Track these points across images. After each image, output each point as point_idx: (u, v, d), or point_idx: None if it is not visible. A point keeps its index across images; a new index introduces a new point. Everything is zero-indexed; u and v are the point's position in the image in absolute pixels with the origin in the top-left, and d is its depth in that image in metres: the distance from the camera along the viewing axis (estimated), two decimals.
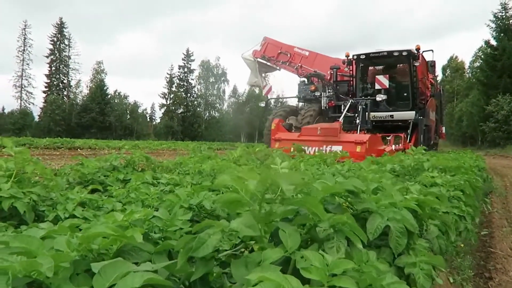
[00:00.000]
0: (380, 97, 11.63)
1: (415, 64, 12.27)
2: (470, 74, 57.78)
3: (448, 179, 3.24)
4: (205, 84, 75.82)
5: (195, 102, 74.41)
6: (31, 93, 64.68)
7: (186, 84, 73.20)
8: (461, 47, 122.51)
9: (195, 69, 74.51)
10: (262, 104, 15.92)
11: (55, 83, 65.96)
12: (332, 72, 14.12)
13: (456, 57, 65.46)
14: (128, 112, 69.73)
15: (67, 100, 65.48)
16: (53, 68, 65.57)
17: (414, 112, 12.12)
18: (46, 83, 65.00)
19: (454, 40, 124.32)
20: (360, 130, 10.89)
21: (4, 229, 1.78)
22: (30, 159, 2.32)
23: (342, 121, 10.85)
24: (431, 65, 13.23)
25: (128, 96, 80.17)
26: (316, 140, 8.83)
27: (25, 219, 2.00)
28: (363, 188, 1.43)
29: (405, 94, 12.84)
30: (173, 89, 72.53)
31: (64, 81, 67.15)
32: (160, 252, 1.25)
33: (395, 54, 12.25)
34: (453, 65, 63.88)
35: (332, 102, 13.16)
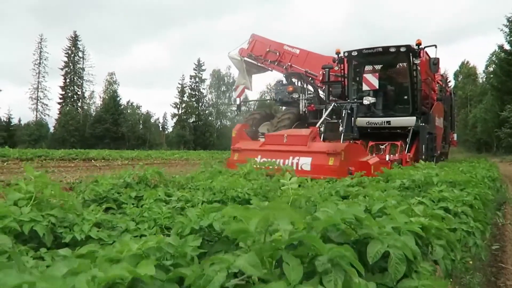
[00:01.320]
0: (367, 100, 9.78)
1: (416, 62, 10.60)
2: (483, 80, 57.10)
3: (456, 194, 3.26)
4: (216, 93, 76.37)
5: (207, 111, 74.99)
6: (47, 104, 66.00)
7: (197, 93, 73.89)
8: (473, 52, 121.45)
9: (206, 79, 75.26)
10: (234, 108, 15.07)
11: (69, 94, 67.22)
12: (324, 72, 12.39)
13: (468, 62, 64.87)
14: (140, 122, 70.62)
15: (81, 111, 66.64)
16: (68, 80, 66.88)
17: (414, 118, 10.58)
18: (61, 94, 66.28)
19: (467, 45, 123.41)
20: (344, 140, 9.27)
21: (25, 252, 1.87)
22: (48, 183, 2.42)
23: (320, 127, 9.54)
24: (434, 63, 11.12)
25: (141, 106, 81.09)
26: (282, 151, 6.97)
27: (44, 241, 2.10)
28: (363, 216, 1.49)
29: (405, 97, 11.21)
30: (185, 98, 73.25)
31: (78, 93, 68.43)
32: (172, 279, 1.33)
33: (392, 50, 10.42)
34: (465, 71, 63.24)
35: (313, 105, 11.46)
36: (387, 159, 8.85)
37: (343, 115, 9.57)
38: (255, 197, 3.55)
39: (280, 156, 6.81)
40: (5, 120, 60.32)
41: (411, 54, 10.55)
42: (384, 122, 10.78)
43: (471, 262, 3.05)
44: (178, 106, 73.03)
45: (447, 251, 2.19)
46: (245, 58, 15.15)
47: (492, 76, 46.35)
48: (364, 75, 10.51)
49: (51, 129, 63.58)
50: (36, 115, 65.15)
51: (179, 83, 73.63)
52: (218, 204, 3.50)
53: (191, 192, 3.80)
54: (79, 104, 68.27)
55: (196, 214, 2.31)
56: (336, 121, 9.93)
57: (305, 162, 6.45)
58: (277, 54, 14.65)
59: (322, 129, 9.59)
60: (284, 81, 13.26)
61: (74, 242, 2.22)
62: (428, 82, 11.90)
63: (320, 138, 9.25)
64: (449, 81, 64.15)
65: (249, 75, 15.43)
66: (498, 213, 5.97)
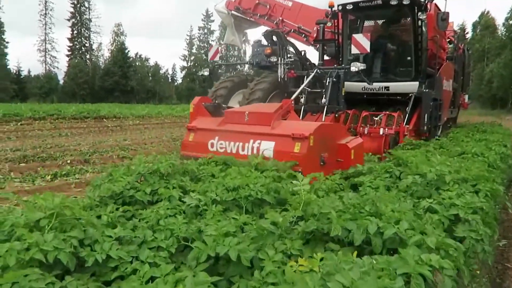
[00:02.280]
0: (355, 67, 7.95)
1: (421, 18, 9.04)
2: (503, 33, 54.68)
3: (467, 200, 3.28)
4: (225, 46, 74.76)
5: (216, 64, 73.79)
6: (55, 57, 65.59)
7: (206, 45, 72.39)
8: (495, 2, 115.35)
9: (215, 30, 73.33)
10: (206, 73, 11.24)
11: (77, 46, 66.47)
12: (318, 29, 10.59)
13: (488, 12, 61.66)
14: (149, 75, 70.07)
15: (89, 63, 66.10)
16: (75, 32, 65.82)
17: (417, 83, 9.20)
18: (69, 46, 65.56)
19: None
20: (327, 114, 7.79)
21: (51, 285, 1.98)
22: (67, 205, 2.49)
23: (301, 98, 8.20)
24: (442, 18, 9.44)
25: (149, 58, 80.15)
26: (242, 132, 5.55)
27: (68, 267, 2.20)
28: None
29: (408, 58, 9.63)
30: (194, 51, 71.97)
31: (86, 45, 67.54)
32: None
33: (393, 3, 8.92)
34: (483, 22, 60.33)
35: (293, 71, 9.54)
36: (381, 132, 7.73)
37: (327, 83, 7.89)
38: (268, 195, 3.60)
39: (240, 139, 5.43)
40: (15, 72, 60.32)
41: (416, 7, 8.96)
42: (382, 87, 9.39)
43: (478, 272, 3.13)
44: (186, 58, 71.96)
45: (456, 279, 2.25)
46: (233, 12, 13.22)
47: None
48: (354, 35, 8.70)
49: (61, 82, 63.58)
50: (45, 67, 64.99)
51: (187, 35, 72.15)
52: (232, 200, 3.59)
53: (204, 186, 3.87)
54: (88, 57, 67.62)
55: (212, 238, 2.38)
56: (319, 90, 8.31)
57: (267, 147, 5.10)
58: (267, 7, 12.58)
59: (302, 100, 8.16)
60: (264, 41, 10.73)
61: (96, 265, 2.33)
62: (436, 40, 10.29)
63: (301, 112, 8.10)
64: (467, 33, 61.62)
65: (239, 31, 13.65)
66: (508, 197, 5.95)
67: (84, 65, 62.64)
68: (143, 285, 1.99)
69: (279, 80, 9.49)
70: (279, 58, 9.54)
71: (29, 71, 64.94)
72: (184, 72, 72.41)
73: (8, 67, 58.21)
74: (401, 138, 7.88)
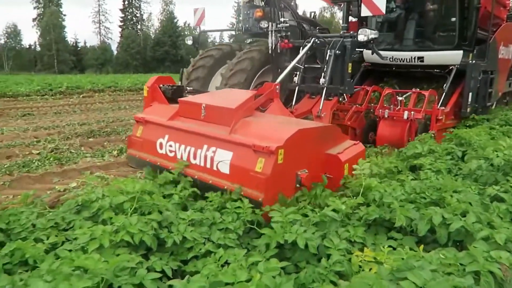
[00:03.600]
0: (364, 35, 5.81)
1: None
2: None
3: None
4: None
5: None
6: (109, 28, 68.00)
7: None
8: None
9: None
10: (189, 42, 8.99)
11: (129, 17, 68.10)
12: None
13: None
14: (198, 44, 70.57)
15: (141, 34, 67.73)
16: (126, 2, 67.31)
17: (461, 52, 7.06)
18: (121, 17, 67.36)
19: None
20: (326, 98, 5.72)
21: (140, 265, 2.21)
22: (146, 191, 2.73)
23: (294, 76, 6.32)
24: None
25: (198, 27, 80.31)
26: (195, 133, 4.00)
27: (151, 247, 2.44)
28: None
29: (451, 19, 7.42)
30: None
31: (137, 15, 69.02)
32: None
33: None
34: None
35: (286, 40, 7.16)
36: (405, 116, 5.93)
37: (326, 57, 5.77)
38: None
39: (192, 142, 3.93)
40: (72, 44, 63.33)
41: None
42: (415, 58, 7.36)
43: None
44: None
45: None
46: None
47: None
48: None
49: (115, 53, 65.95)
50: (100, 38, 67.47)
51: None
52: None
53: None
54: (139, 27, 69.21)
55: (280, 222, 2.52)
56: (319, 66, 6.12)
57: (223, 159, 3.61)
58: None
59: (296, 79, 6.17)
60: (257, 1, 8.41)
61: (175, 245, 2.56)
62: None
63: (295, 94, 6.12)
64: None
65: None
66: None
67: (135, 36, 64.35)
68: (219, 268, 2.18)
69: (270, 51, 7.14)
70: (270, 24, 7.24)
71: (85, 43, 68.08)
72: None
73: (66, 39, 61.17)
74: (433, 124, 6.20)
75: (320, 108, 5.52)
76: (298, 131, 3.39)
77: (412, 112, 5.98)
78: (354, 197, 3.10)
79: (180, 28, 66.95)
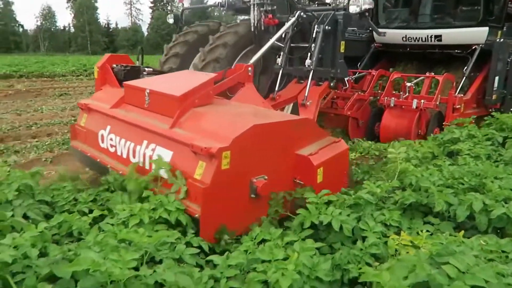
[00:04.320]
0: (356, 5, 4.96)
1: None
2: None
3: None
4: None
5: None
6: (139, 9, 68.66)
7: None
8: None
9: None
10: (170, 20, 8.03)
11: None
12: None
13: None
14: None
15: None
16: None
17: (486, 28, 5.96)
18: None
19: None
20: (319, 83, 4.93)
21: (179, 240, 2.28)
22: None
23: (278, 57, 5.30)
24: None
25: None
26: (135, 125, 3.28)
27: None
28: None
29: None
30: None
31: None
32: None
33: None
34: None
35: (272, 16, 6.14)
36: (414, 105, 5.12)
37: (313, 34, 4.84)
38: None
39: (132, 136, 3.27)
40: (105, 25, 64.48)
41: None
42: (432, 37, 6.32)
43: None
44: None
45: None
46: None
47: None
48: None
49: (145, 34, 66.73)
50: (131, 20, 68.31)
51: None
52: None
53: None
54: (169, 8, 69.52)
55: (314, 203, 2.53)
56: (306, 45, 4.96)
57: (165, 159, 2.89)
58: None
59: (280, 61, 5.24)
60: None
61: None
62: None
63: (278, 78, 5.13)
64: None
65: None
66: None
67: (166, 17, 64.80)
68: (256, 245, 2.22)
69: (252, 29, 6.06)
70: None
71: (116, 24, 69.25)
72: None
73: (98, 20, 62.34)
74: (449, 114, 5.32)
75: (306, 95, 4.58)
76: (253, 128, 2.60)
77: (422, 101, 5.10)
78: (390, 181, 3.07)
79: (209, 10, 66.76)
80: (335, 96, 5.95)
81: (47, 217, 2.65)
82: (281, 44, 5.20)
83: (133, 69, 4.30)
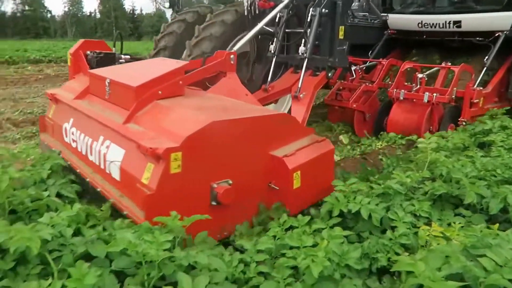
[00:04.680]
0: None
1: None
2: None
3: None
4: None
5: None
6: None
7: None
8: None
9: None
10: (166, 4, 7.46)
11: None
12: None
13: None
14: None
15: (195, 1, 68.09)
16: None
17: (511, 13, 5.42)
18: None
19: None
20: (315, 73, 4.62)
21: None
22: None
23: (270, 44, 4.86)
24: None
25: None
26: (93, 119, 2.95)
27: None
28: None
29: None
30: None
31: None
32: None
33: None
34: None
35: None
36: (425, 99, 4.65)
37: (307, 18, 4.38)
38: None
39: (91, 131, 2.96)
40: (130, 11, 65.13)
41: None
42: (450, 23, 5.75)
43: None
44: None
45: None
46: None
47: None
48: None
49: (169, 20, 67.05)
50: (155, 6, 68.76)
51: None
52: None
53: None
54: None
55: (343, 191, 2.52)
56: (300, 30, 4.57)
57: (115, 160, 2.58)
58: None
59: (272, 48, 4.80)
60: None
61: None
62: None
63: (271, 66, 4.72)
64: None
65: None
66: None
67: (190, 3, 64.86)
68: (283, 232, 2.23)
69: (246, 14, 5.37)
70: None
71: (141, 10, 69.79)
72: None
73: (124, 6, 63.03)
74: (465, 108, 4.84)
75: (299, 86, 4.17)
76: (211, 125, 2.24)
77: (435, 94, 4.63)
78: (419, 171, 3.01)
79: None
80: (341, 87, 5.53)
81: (79, 195, 2.74)
82: (268, 28, 4.73)
83: (107, 56, 4.04)
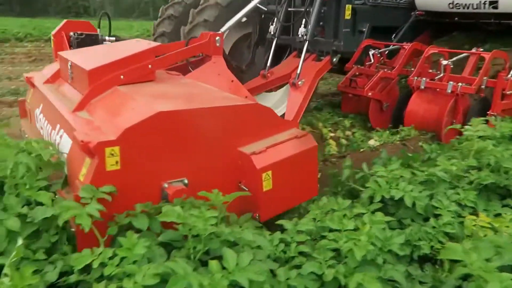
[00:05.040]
0: None
1: None
2: None
3: None
4: None
5: None
6: None
7: None
8: None
9: None
10: None
11: None
12: None
13: None
14: None
15: None
16: None
17: None
18: None
19: None
20: (319, 58, 4.31)
21: None
22: None
23: (271, 24, 4.52)
24: None
25: None
26: (52, 105, 2.69)
27: None
28: None
29: None
30: None
31: None
32: None
33: None
34: None
35: None
36: (448, 89, 4.11)
37: None
38: None
39: (51, 119, 2.74)
40: None
41: None
42: (485, 3, 5.13)
43: None
44: None
45: None
46: None
47: None
48: None
49: None
50: None
51: None
52: None
53: None
54: None
55: (385, 177, 2.48)
56: (301, 8, 4.18)
57: (64, 152, 2.29)
58: None
59: (272, 29, 4.42)
60: None
61: None
62: None
63: (271, 49, 4.36)
64: None
65: None
66: None
67: None
68: (323, 214, 2.23)
69: None
70: None
71: None
72: None
73: None
74: (496, 101, 4.23)
75: (298, 72, 3.73)
76: (157, 116, 1.92)
77: (460, 83, 4.07)
78: (465, 160, 2.91)
79: None
80: (357, 73, 4.94)
81: None
82: (261, 6, 4.24)
83: (89, 38, 3.83)
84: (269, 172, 2.18)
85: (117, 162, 1.85)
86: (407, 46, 4.92)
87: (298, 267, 1.68)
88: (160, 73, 2.85)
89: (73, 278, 1.54)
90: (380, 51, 4.98)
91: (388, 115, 4.76)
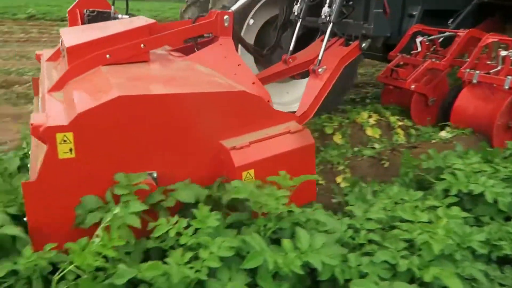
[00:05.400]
0: None
1: None
2: None
3: None
4: None
5: None
6: None
7: None
8: None
9: None
10: None
11: None
12: None
13: None
14: None
15: None
16: None
17: None
18: None
19: None
20: (347, 43, 3.51)
21: None
22: None
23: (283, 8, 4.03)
24: None
25: None
26: (42, 83, 2.83)
27: None
28: None
29: None
30: None
31: None
32: None
33: None
34: None
35: None
36: (506, 85, 3.35)
37: None
38: None
39: (42, 98, 2.51)
40: None
41: None
42: None
43: None
44: None
45: None
46: None
47: None
48: None
49: None
50: None
51: None
52: None
53: None
54: None
55: (462, 170, 2.32)
56: None
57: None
58: None
59: (296, 9, 3.83)
60: None
61: None
62: None
63: (295, 32, 3.79)
64: None
65: None
66: None
67: None
68: (393, 204, 2.14)
69: None
70: None
71: None
72: None
73: None
74: None
75: (319, 58, 3.22)
76: (117, 100, 1.71)
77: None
78: None
79: None
80: (401, 62, 4.33)
81: None
82: None
83: (100, 15, 3.65)
84: (251, 171, 1.87)
85: (71, 150, 1.66)
86: (462, 33, 4.13)
87: (369, 254, 1.64)
88: (160, 54, 2.62)
89: (150, 244, 1.61)
90: (430, 38, 4.28)
91: (434, 111, 4.13)
